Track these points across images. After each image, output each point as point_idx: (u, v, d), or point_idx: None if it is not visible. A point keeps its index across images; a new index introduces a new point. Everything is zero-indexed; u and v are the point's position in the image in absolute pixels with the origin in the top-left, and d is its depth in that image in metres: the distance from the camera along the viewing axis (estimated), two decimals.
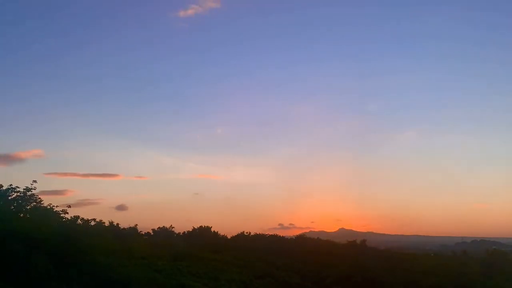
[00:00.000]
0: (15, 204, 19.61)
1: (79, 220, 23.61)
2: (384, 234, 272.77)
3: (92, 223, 25.56)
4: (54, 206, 20.97)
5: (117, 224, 33.92)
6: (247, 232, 52.39)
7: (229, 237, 48.21)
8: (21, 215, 19.27)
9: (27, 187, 19.84)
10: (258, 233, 55.67)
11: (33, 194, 20.12)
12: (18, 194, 19.65)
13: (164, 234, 41.25)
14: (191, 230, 44.20)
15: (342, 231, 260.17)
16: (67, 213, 21.66)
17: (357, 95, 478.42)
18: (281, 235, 56.62)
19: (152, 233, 41.44)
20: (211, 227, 44.57)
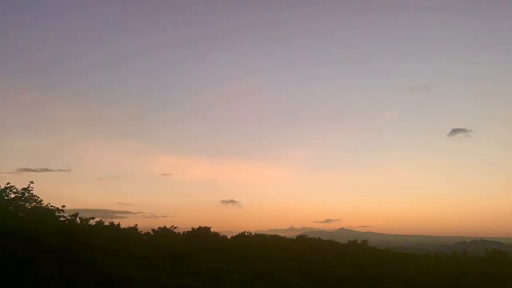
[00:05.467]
0: (14, 204, 19.62)
1: (78, 220, 23.61)
2: (384, 234, 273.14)
3: (92, 223, 25.55)
4: (53, 206, 21.02)
5: (117, 224, 33.86)
6: (247, 232, 52.42)
7: (229, 237, 48.22)
8: (21, 215, 19.28)
9: (25, 187, 19.87)
10: (258, 233, 55.73)
11: (32, 194, 20.15)
12: (17, 194, 19.67)
13: (164, 234, 41.17)
14: (190, 230, 44.16)
15: (342, 231, 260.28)
16: (68, 213, 21.73)
17: (371, 99, 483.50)
18: (280, 235, 56.63)
19: (152, 233, 41.36)
20: (210, 227, 44.58)
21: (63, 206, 21.62)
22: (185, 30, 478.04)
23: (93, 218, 25.36)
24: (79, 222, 23.49)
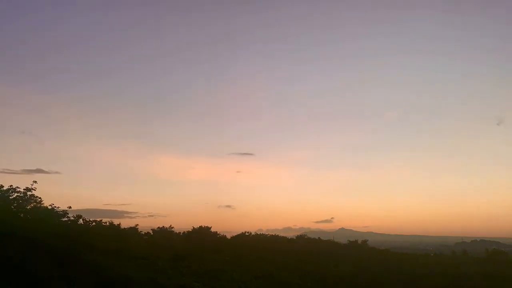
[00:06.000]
0: (15, 204, 19.65)
1: (80, 220, 23.66)
2: (384, 234, 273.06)
3: (93, 223, 25.58)
4: (54, 206, 21.06)
5: (117, 224, 33.87)
6: (247, 232, 52.50)
7: (228, 237, 48.26)
8: (21, 215, 19.30)
9: (27, 187, 19.88)
10: (257, 233, 55.86)
11: (33, 195, 20.17)
12: (19, 194, 19.69)
13: (164, 234, 41.19)
14: (190, 230, 44.17)
15: (342, 231, 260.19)
16: (68, 213, 21.78)
17: (372, 99, 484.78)
18: (279, 235, 56.70)
19: (152, 233, 41.39)
20: (211, 227, 44.59)
21: (69, 207, 21.76)
22: (184, 35, 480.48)
23: (95, 220, 25.43)
24: (81, 222, 23.53)
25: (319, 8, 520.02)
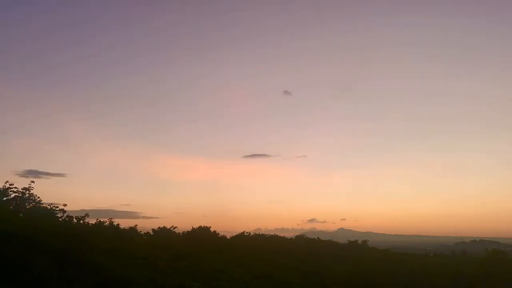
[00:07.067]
0: (14, 204, 19.63)
1: (81, 221, 23.62)
2: (384, 234, 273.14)
3: (92, 222, 25.55)
4: (54, 206, 21.04)
5: (117, 224, 33.81)
6: (246, 232, 52.50)
7: (229, 237, 48.26)
8: (21, 215, 19.27)
9: (25, 187, 19.88)
10: (257, 233, 55.90)
11: (32, 194, 20.16)
12: (17, 194, 19.68)
13: (164, 234, 41.16)
14: (190, 230, 44.15)
15: (342, 231, 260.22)
16: (66, 212, 21.75)
17: (375, 100, 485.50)
18: (280, 235, 56.70)
19: (152, 233, 41.35)
20: (210, 226, 44.61)
21: (65, 204, 21.72)
22: (186, 37, 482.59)
23: (96, 219, 25.40)
24: (80, 222, 23.48)
25: (323, 9, 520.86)
